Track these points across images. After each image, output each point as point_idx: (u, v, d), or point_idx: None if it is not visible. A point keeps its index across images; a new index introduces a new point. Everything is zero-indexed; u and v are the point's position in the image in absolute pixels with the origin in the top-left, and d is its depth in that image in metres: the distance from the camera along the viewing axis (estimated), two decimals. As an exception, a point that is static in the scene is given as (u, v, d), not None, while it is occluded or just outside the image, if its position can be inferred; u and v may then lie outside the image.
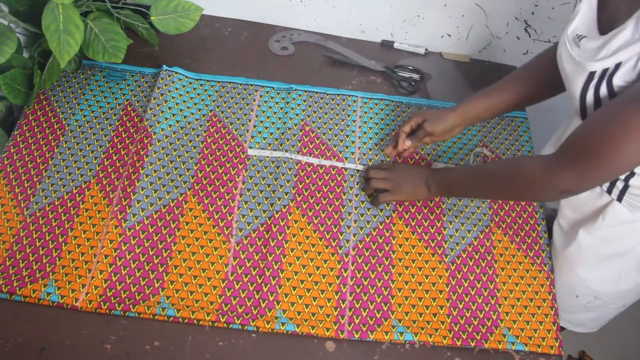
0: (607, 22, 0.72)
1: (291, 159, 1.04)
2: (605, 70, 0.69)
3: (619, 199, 0.85)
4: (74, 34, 0.93)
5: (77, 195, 0.97)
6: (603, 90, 0.70)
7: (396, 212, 0.99)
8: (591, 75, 0.71)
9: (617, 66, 0.68)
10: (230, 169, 1.02)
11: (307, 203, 0.99)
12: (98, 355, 0.82)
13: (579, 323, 1.05)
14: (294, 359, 0.85)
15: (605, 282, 0.95)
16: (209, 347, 0.84)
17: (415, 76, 1.21)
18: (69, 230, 0.92)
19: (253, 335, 0.86)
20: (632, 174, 0.81)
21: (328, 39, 1.26)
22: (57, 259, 0.89)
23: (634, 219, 0.86)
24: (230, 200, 0.98)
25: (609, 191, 0.86)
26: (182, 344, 0.84)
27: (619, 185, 0.84)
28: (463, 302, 0.91)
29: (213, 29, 1.26)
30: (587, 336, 1.13)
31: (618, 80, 0.68)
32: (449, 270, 0.94)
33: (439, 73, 1.24)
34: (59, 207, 0.95)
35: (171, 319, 0.85)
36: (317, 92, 1.15)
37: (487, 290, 0.92)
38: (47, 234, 0.92)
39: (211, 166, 1.02)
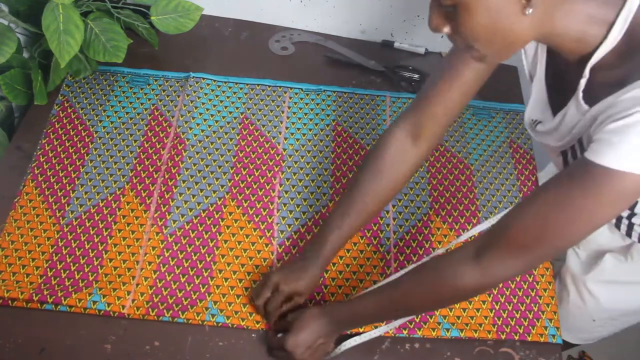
0: (559, 104, 0.72)
1: (326, 159, 1.04)
2: (573, 146, 0.71)
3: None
4: (74, 34, 0.93)
5: (112, 202, 0.96)
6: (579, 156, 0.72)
7: (433, 209, 1.00)
8: (564, 153, 0.74)
9: (580, 140, 0.69)
10: (267, 171, 1.02)
11: None
12: (98, 355, 0.82)
13: (592, 338, 1.07)
14: None
15: (621, 303, 0.96)
16: (209, 347, 0.84)
17: (415, 76, 1.20)
18: (108, 237, 0.92)
19: (253, 335, 0.86)
20: (633, 214, 0.81)
21: (328, 39, 1.26)
22: (99, 267, 0.88)
23: None
24: (269, 203, 0.98)
25: (629, 234, 0.87)
26: (182, 344, 0.84)
27: (637, 229, 0.84)
28: (504, 296, 0.91)
29: (213, 29, 1.25)
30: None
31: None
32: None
33: (438, 73, 1.25)
34: (95, 214, 0.94)
35: (220, 324, 0.85)
36: (345, 92, 1.15)
37: (527, 283, 0.93)
38: (86, 242, 0.91)
39: (247, 169, 1.02)
